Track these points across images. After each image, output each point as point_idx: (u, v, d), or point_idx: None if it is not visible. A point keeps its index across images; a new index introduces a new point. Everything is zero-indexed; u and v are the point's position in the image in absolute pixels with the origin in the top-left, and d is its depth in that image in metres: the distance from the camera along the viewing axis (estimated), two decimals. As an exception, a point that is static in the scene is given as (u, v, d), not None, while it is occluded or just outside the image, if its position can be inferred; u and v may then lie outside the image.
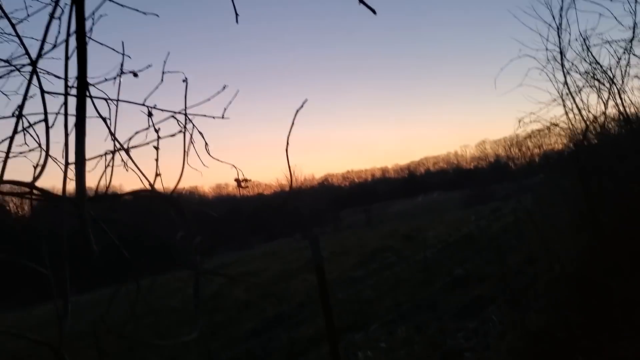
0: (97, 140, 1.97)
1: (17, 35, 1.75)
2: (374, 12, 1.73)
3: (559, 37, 9.21)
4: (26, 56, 1.77)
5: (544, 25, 9.36)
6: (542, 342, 6.22)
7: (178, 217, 1.81)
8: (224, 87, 1.94)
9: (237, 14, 1.71)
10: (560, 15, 9.07)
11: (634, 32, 8.26)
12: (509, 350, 6.55)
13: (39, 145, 1.85)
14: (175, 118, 1.91)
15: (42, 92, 1.76)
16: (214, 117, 1.99)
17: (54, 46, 1.71)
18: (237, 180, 2.03)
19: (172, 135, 1.94)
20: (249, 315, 13.39)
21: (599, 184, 8.59)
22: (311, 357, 8.85)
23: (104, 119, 1.97)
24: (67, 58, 1.63)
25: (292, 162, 1.94)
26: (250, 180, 2.05)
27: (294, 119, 1.81)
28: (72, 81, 1.72)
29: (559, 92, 9.33)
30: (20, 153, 1.75)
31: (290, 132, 1.84)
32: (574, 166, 9.60)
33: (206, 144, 1.99)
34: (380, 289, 12.08)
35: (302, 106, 1.80)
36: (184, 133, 1.91)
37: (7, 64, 1.86)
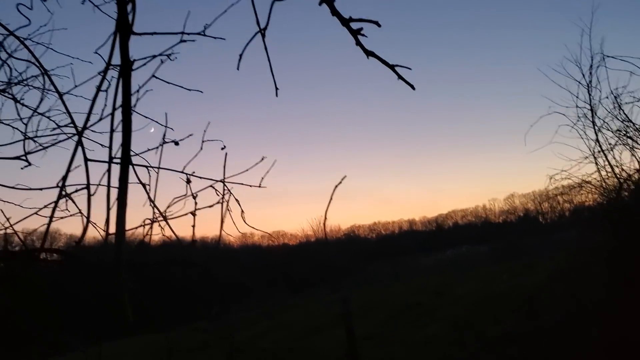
0: (136, 204, 1.99)
1: (64, 106, 1.79)
2: (413, 88, 1.74)
3: (590, 94, 9.19)
4: (72, 125, 1.81)
5: (574, 83, 9.36)
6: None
7: (209, 284, 1.80)
8: (263, 159, 1.96)
9: (277, 88, 1.74)
10: (590, 73, 9.08)
11: (665, 88, 8.22)
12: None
13: (80, 212, 1.87)
14: (213, 187, 1.92)
15: (86, 160, 1.79)
16: (250, 186, 2.00)
17: (101, 118, 1.75)
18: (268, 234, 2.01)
19: (211, 206, 1.95)
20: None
21: (633, 242, 8.39)
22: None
23: (144, 185, 1.98)
24: (112, 130, 1.66)
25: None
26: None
27: (332, 195, 1.81)
28: (115, 151, 1.74)
29: (590, 150, 9.24)
30: (62, 218, 1.77)
31: (328, 207, 1.84)
32: (607, 224, 9.42)
33: (242, 211, 1.99)
34: (411, 348, 11.79)
35: (340, 182, 1.80)
36: (222, 202, 1.91)
37: (55, 134, 1.90)
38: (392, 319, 15.94)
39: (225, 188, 1.95)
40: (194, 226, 1.94)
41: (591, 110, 9.22)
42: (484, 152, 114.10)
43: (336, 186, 1.79)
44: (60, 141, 1.87)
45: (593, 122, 9.24)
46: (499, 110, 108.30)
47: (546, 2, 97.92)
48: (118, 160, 1.68)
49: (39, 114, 1.94)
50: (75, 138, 1.73)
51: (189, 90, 1.95)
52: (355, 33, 1.65)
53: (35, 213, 1.86)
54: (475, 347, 10.39)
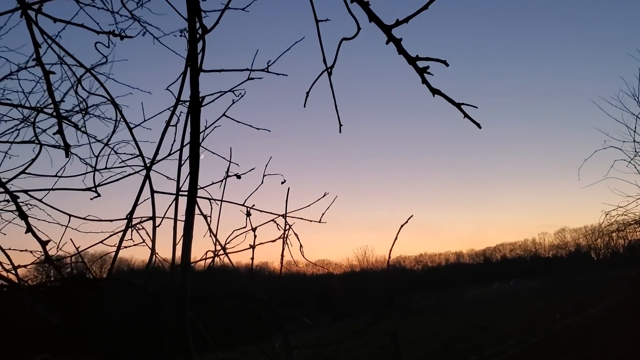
0: (197, 235, 2.01)
1: (134, 139, 1.84)
2: (479, 126, 1.72)
3: (647, 128, 8.92)
4: (139, 158, 1.86)
5: (631, 117, 9.10)
6: None
7: (269, 317, 1.80)
8: (325, 194, 1.97)
9: (340, 124, 1.75)
10: (648, 106, 8.82)
11: None
12: None
13: (144, 242, 1.91)
14: (275, 222, 1.93)
15: (152, 192, 1.83)
16: (311, 221, 2.01)
17: (170, 153, 1.79)
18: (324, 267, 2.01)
19: (273, 241, 1.96)
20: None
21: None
22: None
23: (205, 217, 2.02)
24: (180, 164, 1.70)
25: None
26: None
27: (397, 234, 1.79)
28: (181, 184, 1.78)
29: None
30: (127, 247, 1.81)
31: (392, 246, 1.82)
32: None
33: (301, 246, 2.00)
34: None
35: (407, 221, 1.79)
36: (284, 238, 1.92)
37: (123, 166, 1.96)
38: (437, 354, 15.64)
39: (287, 223, 1.97)
40: (252, 259, 1.96)
41: (649, 145, 8.97)
42: (535, 185, 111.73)
43: (402, 225, 1.77)
44: (129, 174, 1.92)
45: (652, 157, 8.98)
46: (552, 143, 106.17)
47: (602, 34, 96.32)
48: (183, 193, 1.71)
49: (109, 146, 2.01)
50: (144, 172, 1.77)
51: (258, 129, 1.98)
52: (422, 71, 1.65)
53: (101, 242, 1.91)
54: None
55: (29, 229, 1.53)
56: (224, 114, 1.82)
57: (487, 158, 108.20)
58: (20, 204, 1.55)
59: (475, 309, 31.78)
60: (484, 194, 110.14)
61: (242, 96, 1.86)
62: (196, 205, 1.91)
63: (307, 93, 1.67)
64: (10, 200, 1.51)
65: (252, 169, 1.98)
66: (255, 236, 1.96)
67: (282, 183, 2.00)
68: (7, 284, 1.62)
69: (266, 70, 2.03)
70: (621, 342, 9.32)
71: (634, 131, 9.02)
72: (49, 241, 1.56)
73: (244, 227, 1.97)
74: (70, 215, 1.82)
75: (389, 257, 1.82)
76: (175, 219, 1.65)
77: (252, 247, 1.96)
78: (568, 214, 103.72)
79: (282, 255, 1.92)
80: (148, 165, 1.75)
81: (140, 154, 1.87)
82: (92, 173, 1.83)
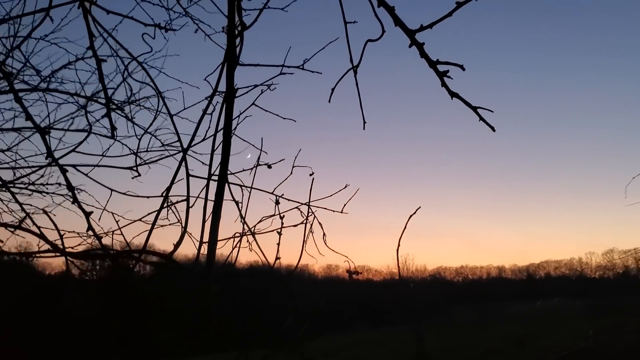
0: (228, 221, 2.16)
1: (174, 125, 2.00)
2: (493, 129, 1.82)
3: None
4: (176, 144, 2.02)
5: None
6: None
7: (290, 300, 1.93)
8: (346, 186, 2.09)
9: (364, 122, 1.87)
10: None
11: None
12: None
13: (179, 221, 2.06)
14: (299, 209, 2.06)
15: (188, 175, 1.98)
16: (333, 211, 2.13)
17: (204, 139, 1.94)
18: (349, 271, 2.12)
19: (295, 225, 2.09)
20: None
21: None
22: None
23: (237, 203, 2.16)
24: (213, 150, 1.85)
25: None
26: (361, 273, 2.13)
27: (406, 224, 1.89)
28: (214, 169, 1.93)
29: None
30: (162, 226, 1.97)
31: (402, 235, 1.92)
32: None
33: (324, 234, 2.12)
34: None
35: (414, 212, 1.89)
36: (305, 223, 2.05)
37: (162, 149, 2.12)
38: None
39: (310, 211, 2.09)
40: (278, 244, 2.09)
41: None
42: (583, 202, 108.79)
43: (410, 216, 1.87)
44: (165, 157, 2.07)
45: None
46: (602, 158, 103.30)
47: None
48: (216, 178, 1.86)
49: (149, 133, 2.17)
50: (180, 156, 1.93)
51: (284, 118, 2.11)
52: (442, 75, 1.75)
53: (140, 219, 2.08)
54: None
55: (75, 199, 1.70)
56: (253, 103, 1.96)
57: (535, 170, 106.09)
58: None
59: (515, 324, 31.24)
60: (530, 208, 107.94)
61: (274, 89, 2.00)
62: (227, 189, 2.06)
63: (332, 89, 1.79)
64: (60, 173, 1.67)
65: (282, 160, 2.12)
66: (282, 223, 2.10)
67: (311, 175, 2.13)
68: (52, 249, 1.79)
69: (301, 67, 2.17)
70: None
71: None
72: (92, 212, 1.73)
73: (272, 214, 2.11)
74: (112, 190, 1.99)
75: (399, 245, 1.92)
76: (206, 200, 1.80)
77: (279, 232, 2.09)
78: (616, 234, 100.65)
79: (304, 241, 2.05)
80: (185, 148, 1.90)
81: (179, 139, 2.03)
82: (134, 155, 1.99)
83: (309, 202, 2.09)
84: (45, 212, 1.81)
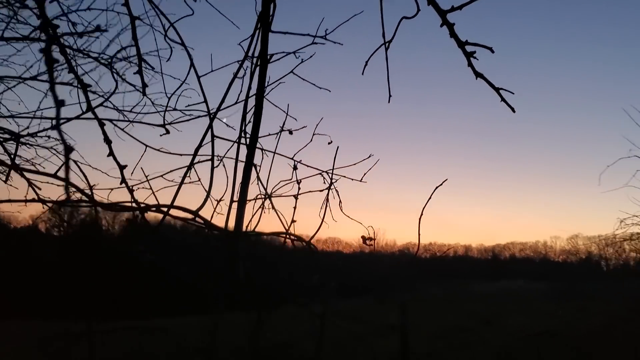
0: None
1: (201, 87, 2.05)
2: (514, 110, 1.92)
3: (675, 142, 8.97)
4: (204, 105, 2.08)
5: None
6: None
7: (314, 261, 2.03)
8: (370, 156, 2.17)
9: (390, 95, 1.95)
10: (677, 120, 8.88)
11: None
12: None
13: (199, 181, 2.13)
14: (322, 175, 2.15)
15: (213, 137, 2.05)
16: (352, 179, 2.22)
17: (236, 102, 2.00)
18: (363, 237, 2.22)
19: (320, 191, 2.18)
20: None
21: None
22: None
23: (255, 166, 2.24)
24: (244, 112, 1.92)
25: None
26: (375, 239, 2.24)
27: (431, 195, 1.99)
28: (238, 132, 2.00)
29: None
30: (189, 183, 2.03)
31: (424, 207, 2.02)
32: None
33: (340, 201, 2.21)
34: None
35: (441, 184, 1.99)
36: (329, 190, 2.14)
37: (192, 110, 2.17)
38: (437, 340, 15.88)
39: (331, 178, 2.18)
40: (295, 207, 2.18)
41: (674, 157, 9.03)
42: (553, 187, 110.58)
43: (437, 187, 1.97)
44: (193, 118, 2.13)
45: (674, 169, 9.04)
46: (576, 146, 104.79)
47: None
48: (242, 141, 1.93)
49: (175, 94, 2.22)
50: (209, 117, 1.99)
51: (320, 88, 2.18)
52: (469, 55, 1.83)
53: (163, 176, 2.15)
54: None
55: (111, 153, 1.75)
56: (291, 71, 2.03)
57: (507, 152, 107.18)
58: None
59: (480, 302, 31.97)
60: (500, 189, 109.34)
61: (299, 57, 2.06)
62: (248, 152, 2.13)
63: (366, 62, 1.86)
64: (98, 125, 1.72)
65: (304, 127, 2.19)
66: (299, 188, 2.18)
67: (329, 143, 2.21)
68: (87, 199, 1.85)
69: (324, 37, 2.23)
70: (619, 349, 9.49)
71: (661, 143, 9.10)
72: (126, 166, 1.79)
73: (290, 179, 2.19)
74: (146, 146, 2.05)
75: (422, 214, 2.01)
76: (236, 162, 1.87)
77: (296, 197, 2.18)
78: (582, 220, 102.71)
79: (326, 207, 2.13)
80: (213, 111, 1.97)
81: (205, 101, 2.08)
82: (163, 113, 2.05)
83: (332, 169, 2.17)
84: (75, 163, 1.86)
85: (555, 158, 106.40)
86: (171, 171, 2.09)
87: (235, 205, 1.82)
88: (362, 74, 1.84)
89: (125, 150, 2.06)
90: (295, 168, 2.20)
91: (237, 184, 1.85)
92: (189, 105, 2.09)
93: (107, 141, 1.75)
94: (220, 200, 2.00)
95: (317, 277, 1.99)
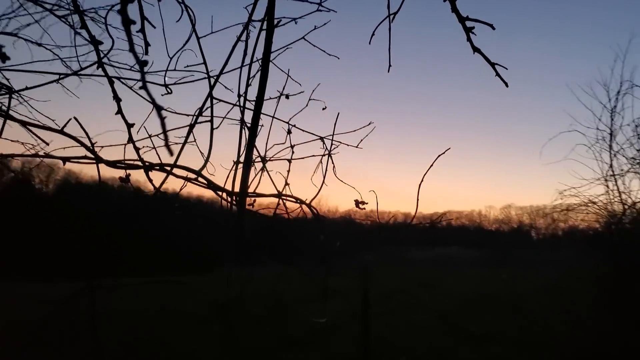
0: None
1: (200, 50, 2.07)
2: (507, 85, 2.03)
3: (612, 119, 9.44)
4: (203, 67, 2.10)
5: (599, 105, 9.62)
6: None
7: (318, 222, 2.11)
8: (370, 123, 2.25)
9: (390, 65, 2.03)
10: (617, 99, 9.32)
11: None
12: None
13: (194, 144, 2.17)
14: (322, 140, 2.21)
15: (211, 98, 2.08)
16: (348, 145, 2.29)
17: (242, 65, 2.02)
18: (356, 201, 2.31)
19: (321, 156, 2.25)
20: (267, 330, 13.59)
21: (628, 267, 8.69)
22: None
23: (248, 128, 2.28)
24: (249, 76, 1.96)
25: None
26: (367, 203, 2.34)
27: (433, 163, 2.09)
28: (238, 95, 2.05)
29: (602, 172, 9.51)
30: (190, 143, 2.05)
31: (425, 173, 2.12)
32: (604, 246, 9.73)
33: (334, 166, 2.29)
34: (396, 330, 12.20)
35: (443, 152, 2.09)
36: (329, 155, 2.21)
37: (193, 70, 2.18)
38: (380, 303, 16.35)
39: (332, 142, 2.25)
40: (288, 171, 2.24)
41: (610, 134, 9.46)
42: (488, 158, 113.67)
43: (439, 155, 2.07)
44: (194, 80, 2.14)
45: (610, 146, 9.48)
46: (518, 118, 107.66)
47: (587, 20, 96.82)
48: (246, 105, 1.98)
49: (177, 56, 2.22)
50: (212, 81, 2.02)
51: (329, 55, 2.23)
52: (468, 30, 1.93)
53: (173, 129, 2.17)
54: (459, 340, 10.78)
55: (120, 110, 1.77)
56: (303, 37, 2.07)
57: (447, 121, 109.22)
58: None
59: (417, 268, 32.96)
60: (443, 158, 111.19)
61: (296, 23, 2.11)
62: (241, 114, 2.18)
63: (373, 32, 1.93)
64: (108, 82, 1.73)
65: (301, 92, 2.24)
66: (293, 152, 2.25)
67: (324, 109, 2.27)
68: (93, 156, 1.86)
69: (320, 4, 2.28)
70: (550, 312, 10.02)
71: (599, 119, 9.54)
72: (133, 124, 1.81)
73: (284, 143, 2.25)
74: (154, 105, 2.05)
75: (422, 180, 2.11)
76: (242, 124, 1.92)
77: (289, 160, 2.24)
78: (518, 192, 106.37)
79: (326, 171, 2.21)
80: (213, 73, 2.00)
81: (204, 62, 2.11)
82: (164, 72, 2.05)
83: (333, 135, 2.24)
84: (76, 121, 1.86)
85: (497, 130, 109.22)
86: (174, 129, 2.11)
87: (239, 167, 1.87)
88: (370, 43, 1.91)
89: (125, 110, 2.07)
90: (289, 132, 2.26)
91: (242, 147, 1.91)
92: (187, 66, 2.11)
93: (117, 99, 1.77)
94: (238, 162, 2.04)
95: (323, 237, 2.07)
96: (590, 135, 9.54)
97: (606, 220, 10.03)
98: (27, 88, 1.95)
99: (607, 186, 9.47)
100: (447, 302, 14.87)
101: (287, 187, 2.20)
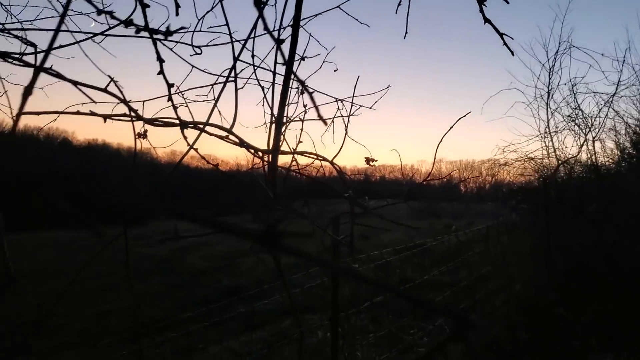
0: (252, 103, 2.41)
1: (225, 15, 2.14)
2: (513, 54, 2.23)
3: (550, 78, 9.92)
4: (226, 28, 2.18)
5: (538, 65, 10.09)
6: (490, 352, 6.85)
7: (341, 178, 2.27)
8: (388, 87, 2.40)
9: (406, 32, 2.19)
10: (555, 59, 9.79)
11: (616, 88, 9.05)
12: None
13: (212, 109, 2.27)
14: (341, 103, 2.36)
15: (235, 60, 2.18)
16: (360, 106, 2.44)
17: (272, 30, 2.12)
18: (367, 158, 2.48)
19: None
20: (205, 283, 13.79)
21: (560, 220, 9.29)
22: (269, 330, 9.28)
23: (263, 88, 2.41)
24: (278, 41, 2.06)
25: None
26: (376, 160, 2.51)
27: (453, 125, 2.28)
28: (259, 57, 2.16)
29: (539, 130, 10.06)
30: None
31: (446, 133, 2.31)
32: (540, 200, 10.32)
33: (345, 126, 2.44)
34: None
35: (465, 115, 2.27)
36: (349, 117, 2.36)
37: (220, 32, 2.25)
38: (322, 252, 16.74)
39: (352, 105, 2.40)
40: (302, 129, 2.39)
41: (548, 93, 9.96)
42: (430, 113, 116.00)
43: (460, 118, 2.26)
44: (222, 44, 2.20)
45: (547, 104, 9.99)
46: (458, 74, 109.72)
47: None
48: (274, 69, 2.10)
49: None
50: (235, 43, 2.12)
51: (361, 23, 2.34)
52: (481, 2, 2.11)
53: (200, 89, 2.26)
54: (402, 289, 11.23)
55: (162, 71, 1.87)
56: (338, 6, 2.17)
57: (396, 78, 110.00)
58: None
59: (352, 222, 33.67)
60: (377, 115, 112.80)
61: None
62: (255, 77, 2.29)
63: (399, 2, 2.07)
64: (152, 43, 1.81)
65: (317, 55, 2.36)
66: (305, 112, 2.38)
67: (335, 71, 2.41)
68: (134, 113, 1.94)
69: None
70: (487, 261, 10.59)
71: (538, 78, 10.01)
72: (173, 85, 1.90)
73: (305, 106, 2.38)
74: (192, 66, 2.14)
75: (438, 146, 2.30)
76: (273, 86, 2.04)
77: (302, 120, 2.38)
78: (449, 146, 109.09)
79: (346, 132, 2.35)
80: (245, 39, 2.09)
81: (227, 24, 2.19)
82: (191, 34, 2.12)
83: (353, 97, 2.38)
84: (112, 80, 1.93)
85: (435, 85, 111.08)
86: (205, 86, 2.21)
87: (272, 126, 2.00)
88: (396, 12, 2.05)
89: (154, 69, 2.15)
90: (301, 93, 2.38)
91: (274, 106, 2.03)
92: (210, 27, 2.18)
93: (160, 59, 1.86)
94: (273, 118, 2.16)
95: (350, 193, 2.24)
96: (529, 93, 10.02)
97: (540, 175, 10.61)
98: (60, 46, 1.98)
99: (545, 142, 10.01)
100: (383, 253, 15.40)
101: (300, 144, 2.34)
